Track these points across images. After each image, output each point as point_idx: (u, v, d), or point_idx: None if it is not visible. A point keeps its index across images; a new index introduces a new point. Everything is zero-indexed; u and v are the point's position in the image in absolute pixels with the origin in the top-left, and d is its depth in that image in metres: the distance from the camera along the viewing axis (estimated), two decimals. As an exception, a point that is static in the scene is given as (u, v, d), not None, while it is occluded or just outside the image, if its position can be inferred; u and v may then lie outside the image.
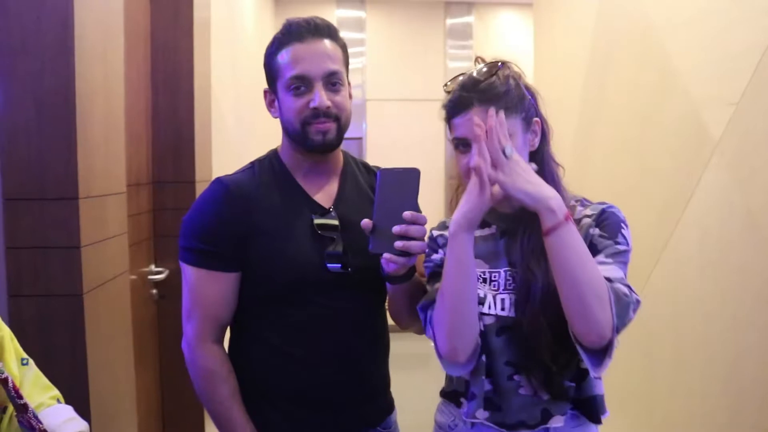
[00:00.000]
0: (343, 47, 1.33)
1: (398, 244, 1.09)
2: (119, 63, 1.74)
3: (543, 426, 1.19)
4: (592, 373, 1.14)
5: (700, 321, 2.06)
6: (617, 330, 1.06)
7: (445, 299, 1.13)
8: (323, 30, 1.29)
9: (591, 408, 1.21)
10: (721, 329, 1.96)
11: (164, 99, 2.46)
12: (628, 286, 1.10)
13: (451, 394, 1.29)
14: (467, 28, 5.87)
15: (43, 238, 1.41)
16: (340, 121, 1.29)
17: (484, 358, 1.19)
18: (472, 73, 1.18)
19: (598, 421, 1.22)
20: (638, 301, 1.10)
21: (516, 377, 1.19)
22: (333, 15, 5.74)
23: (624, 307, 1.07)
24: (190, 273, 1.30)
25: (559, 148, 3.82)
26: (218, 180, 1.32)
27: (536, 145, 1.21)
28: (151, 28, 2.44)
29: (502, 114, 1.11)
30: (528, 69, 4.38)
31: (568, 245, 1.05)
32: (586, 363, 1.10)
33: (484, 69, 1.18)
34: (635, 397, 2.56)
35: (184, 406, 2.49)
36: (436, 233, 1.29)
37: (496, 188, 1.09)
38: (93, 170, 1.51)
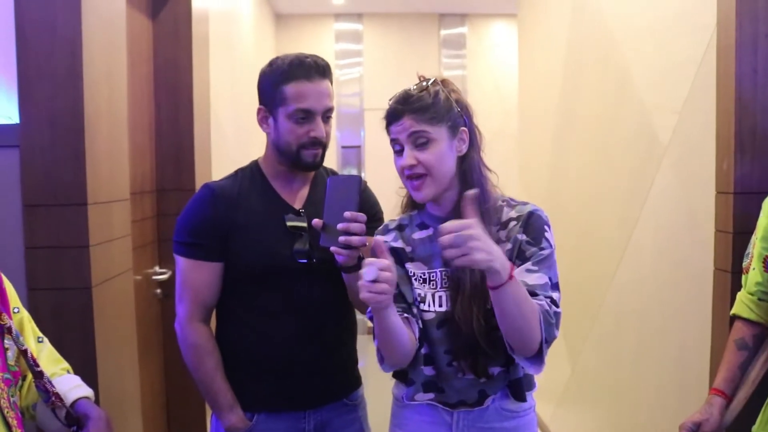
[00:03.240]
0: (331, 82, 1.55)
1: (341, 238, 1.29)
2: (123, 83, 1.94)
3: (480, 407, 1.39)
4: (534, 373, 1.31)
5: (657, 312, 2.24)
6: (546, 341, 1.24)
7: (377, 342, 1.31)
8: (325, 71, 1.52)
9: (519, 387, 1.40)
10: (671, 317, 2.13)
11: (166, 113, 2.64)
12: (551, 298, 1.27)
13: (400, 374, 1.47)
14: (461, 39, 6.07)
15: (57, 239, 1.61)
16: (325, 147, 1.54)
17: (423, 350, 1.38)
18: (409, 88, 1.36)
19: (522, 399, 1.41)
20: (557, 314, 1.27)
21: (454, 363, 1.37)
22: (331, 28, 5.95)
23: (549, 326, 1.24)
24: (181, 263, 1.53)
25: (540, 153, 4.03)
26: (206, 185, 1.55)
27: (464, 150, 1.37)
28: (153, 48, 2.64)
29: (472, 193, 1.21)
30: (515, 76, 4.55)
31: (511, 299, 1.17)
32: (527, 368, 1.29)
33: (418, 85, 1.36)
34: (605, 388, 2.73)
35: (187, 398, 2.66)
36: (379, 239, 1.41)
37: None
38: (99, 179, 1.71)
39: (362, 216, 1.32)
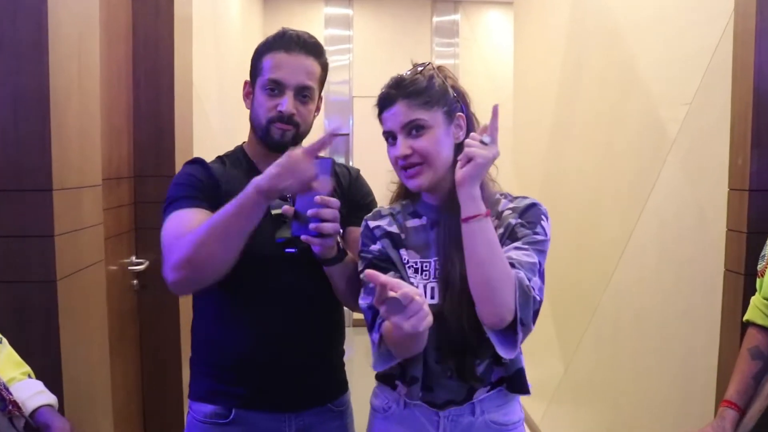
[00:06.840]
0: (324, 66, 1.44)
1: (312, 225, 1.19)
2: (95, 60, 1.80)
3: (469, 402, 1.29)
4: (504, 356, 1.18)
5: (659, 311, 2.15)
6: (522, 323, 1.14)
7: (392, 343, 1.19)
8: (310, 47, 1.40)
9: (515, 382, 1.30)
10: (675, 319, 2.05)
11: (145, 94, 2.51)
12: (530, 279, 1.16)
13: (387, 378, 1.35)
14: (454, 26, 5.96)
15: (19, 227, 1.47)
16: (299, 128, 1.41)
17: None
18: (402, 74, 1.27)
19: (524, 392, 1.30)
20: (536, 300, 1.16)
21: (441, 363, 1.27)
22: (321, 12, 5.81)
23: (526, 299, 1.14)
24: (174, 216, 1.32)
25: (536, 146, 3.92)
26: (195, 158, 1.45)
27: (461, 138, 1.28)
28: (132, 24, 2.50)
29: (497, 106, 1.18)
30: (510, 66, 4.42)
31: (482, 234, 1.12)
32: (497, 347, 1.17)
33: (412, 70, 1.28)
34: (601, 390, 2.65)
35: (165, 394, 2.56)
36: (372, 224, 1.33)
37: None
38: (68, 163, 1.57)
39: (335, 201, 1.22)
